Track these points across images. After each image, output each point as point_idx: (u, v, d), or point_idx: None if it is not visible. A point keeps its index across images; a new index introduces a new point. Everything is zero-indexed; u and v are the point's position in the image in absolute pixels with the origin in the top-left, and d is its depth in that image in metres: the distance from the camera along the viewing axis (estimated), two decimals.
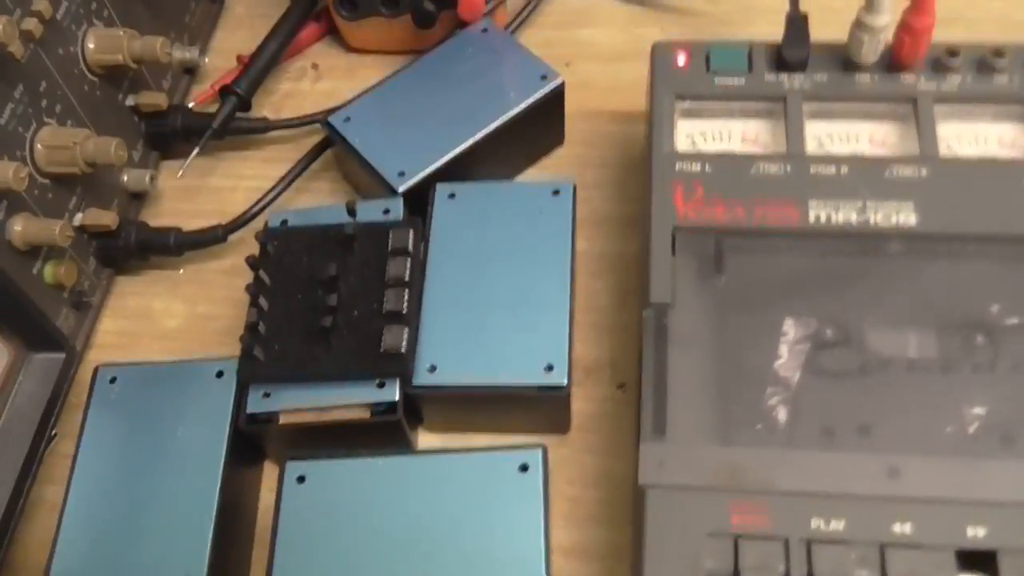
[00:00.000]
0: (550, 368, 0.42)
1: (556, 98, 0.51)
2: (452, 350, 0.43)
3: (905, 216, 0.41)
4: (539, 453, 0.40)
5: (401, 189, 0.48)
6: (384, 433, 0.43)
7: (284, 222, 0.47)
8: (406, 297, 0.43)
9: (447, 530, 0.39)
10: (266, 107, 0.59)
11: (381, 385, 0.42)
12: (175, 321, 0.52)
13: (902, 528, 0.34)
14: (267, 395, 0.43)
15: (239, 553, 0.43)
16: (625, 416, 0.46)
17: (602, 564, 0.43)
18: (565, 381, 0.42)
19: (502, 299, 0.44)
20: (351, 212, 0.45)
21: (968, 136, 0.45)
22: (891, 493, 0.35)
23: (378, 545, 0.39)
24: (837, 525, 0.34)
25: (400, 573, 0.38)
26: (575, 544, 0.43)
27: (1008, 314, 0.39)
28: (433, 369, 0.43)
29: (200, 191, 0.56)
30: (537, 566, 0.37)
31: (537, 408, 0.44)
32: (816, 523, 0.35)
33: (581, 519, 0.44)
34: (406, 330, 0.42)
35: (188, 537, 0.40)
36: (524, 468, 0.40)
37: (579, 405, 0.46)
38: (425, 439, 0.46)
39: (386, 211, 0.47)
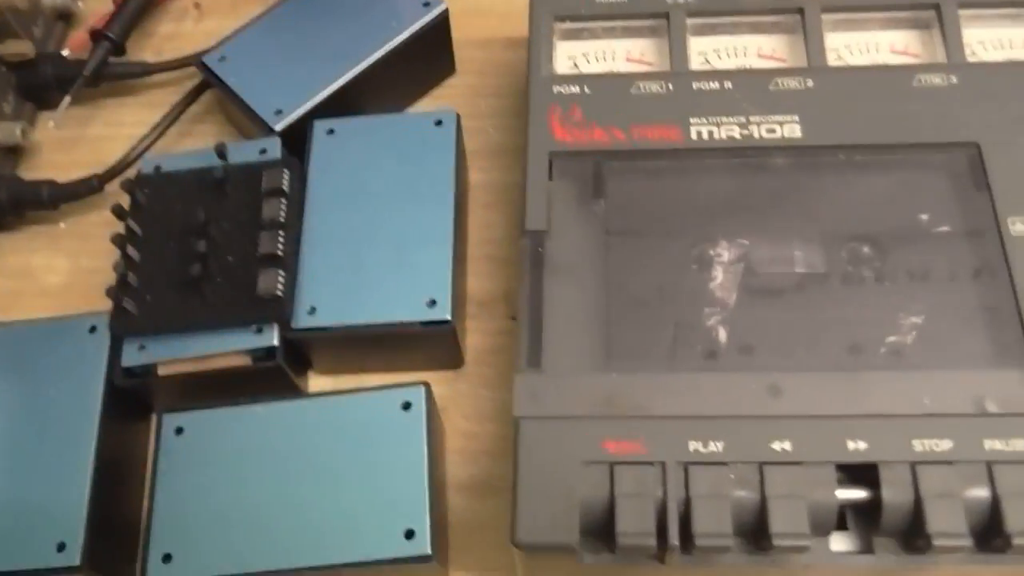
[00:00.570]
0: (433, 303, 0.41)
1: (441, 25, 0.49)
2: (332, 291, 0.42)
3: (790, 129, 0.40)
4: (422, 391, 0.39)
5: (278, 128, 0.46)
6: (268, 380, 0.42)
7: (157, 168, 0.45)
8: (281, 239, 0.41)
9: (331, 473, 0.38)
10: (147, 50, 0.56)
11: (259, 331, 0.41)
12: (58, 277, 0.50)
13: (782, 446, 0.34)
14: (142, 348, 0.41)
15: (128, 510, 0.42)
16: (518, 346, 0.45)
17: (498, 499, 0.42)
18: (449, 316, 0.41)
19: (383, 236, 0.43)
20: (221, 155, 0.43)
21: (858, 45, 0.44)
22: (771, 412, 0.34)
23: (261, 492, 0.38)
24: (715, 447, 0.34)
25: (284, 518, 0.37)
26: (471, 479, 0.43)
27: (894, 227, 0.38)
28: (313, 311, 0.41)
29: (79, 141, 0.54)
30: (420, 505, 0.37)
31: (424, 345, 0.42)
32: (694, 446, 0.34)
33: (477, 454, 0.43)
34: (282, 273, 0.41)
35: (63, 502, 0.39)
36: (407, 406, 0.39)
37: (475, 339, 0.45)
38: (317, 382, 0.45)
39: (263, 151, 0.45)
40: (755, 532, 0.33)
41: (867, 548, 0.34)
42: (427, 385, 0.39)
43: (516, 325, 0.45)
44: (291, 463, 0.38)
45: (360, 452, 0.38)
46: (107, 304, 0.45)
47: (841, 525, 0.35)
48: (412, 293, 0.41)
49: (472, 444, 0.43)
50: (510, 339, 0.46)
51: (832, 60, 0.43)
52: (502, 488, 0.42)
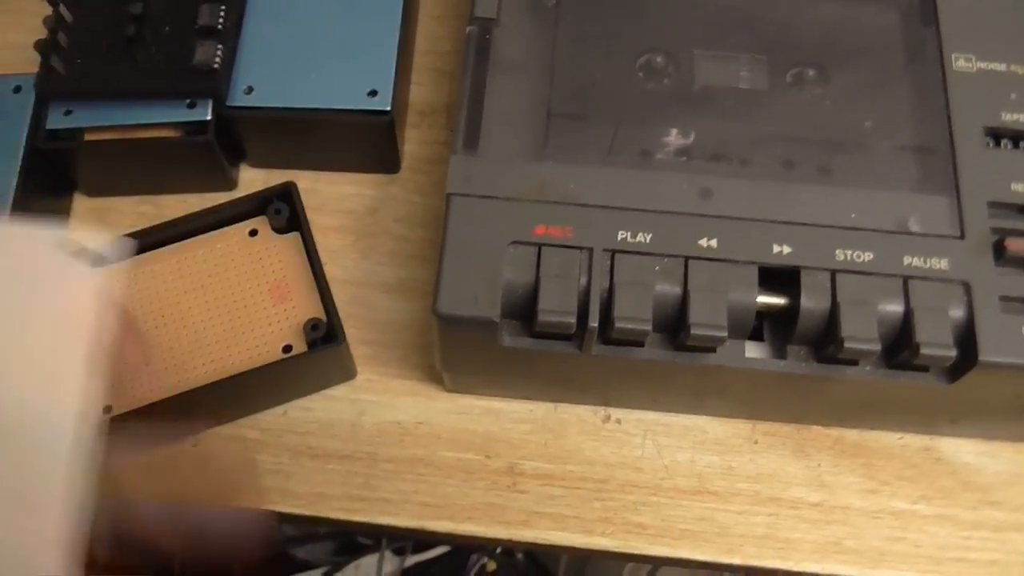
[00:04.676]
0: (374, 93, 0.40)
1: None
2: (271, 72, 0.40)
3: None
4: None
5: None
6: (198, 158, 0.41)
7: None
8: (222, 12, 0.40)
9: None
10: None
11: (192, 105, 0.40)
12: None
13: (709, 243, 0.34)
14: (69, 112, 0.40)
15: None
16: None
17: (424, 302, 0.42)
18: (388, 107, 0.40)
19: (330, 21, 0.41)
20: None
21: None
22: (701, 211, 0.35)
23: None
24: (643, 238, 0.34)
25: None
26: (398, 281, 0.42)
27: (840, 53, 0.39)
28: (250, 90, 0.40)
29: None
30: None
31: (361, 140, 0.42)
32: (622, 235, 0.34)
33: (406, 258, 0.43)
34: (220, 47, 0.40)
35: None
36: None
37: (413, 148, 0.45)
38: (248, 175, 0.44)
39: None
40: (674, 326, 0.34)
41: (780, 356, 0.35)
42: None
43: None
44: None
45: None
46: None
47: (756, 337, 0.36)
48: (354, 81, 0.40)
49: (403, 247, 0.43)
50: (447, 150, 0.45)
51: None
52: (428, 292, 0.42)
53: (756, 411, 0.41)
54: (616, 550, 0.39)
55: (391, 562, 0.94)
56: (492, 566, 1.02)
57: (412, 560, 0.98)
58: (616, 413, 0.41)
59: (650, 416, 0.41)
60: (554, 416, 0.41)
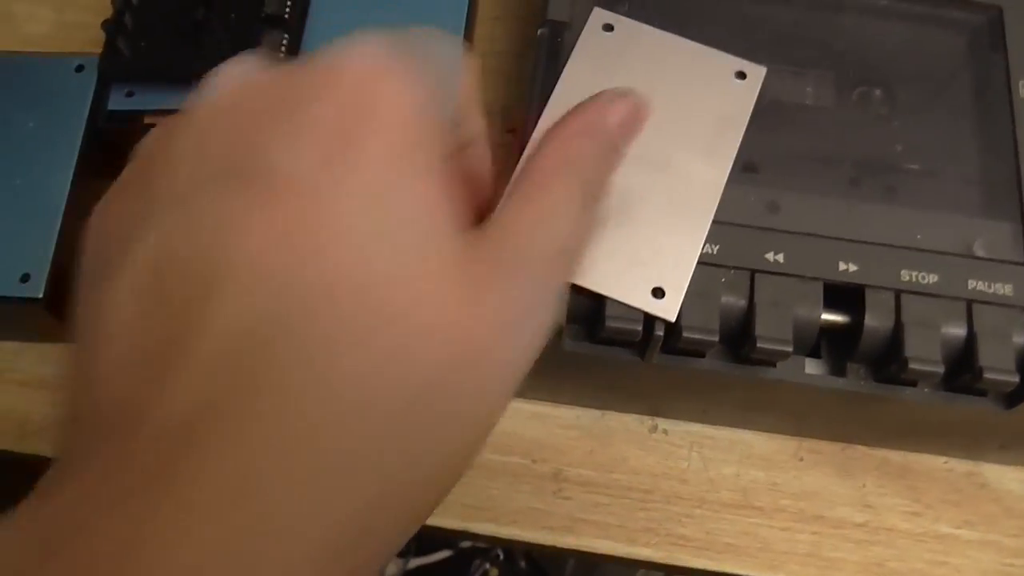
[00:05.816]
0: None
1: None
2: None
3: None
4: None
5: None
6: None
7: None
8: (289, 2, 0.40)
9: None
10: None
11: None
12: (40, 27, 0.47)
13: (775, 257, 0.34)
14: (131, 94, 0.40)
15: None
16: (512, 161, 0.44)
17: None
18: None
19: (395, 17, 0.41)
20: None
21: None
22: (768, 225, 0.35)
23: None
24: (711, 249, 0.34)
25: None
26: None
27: (907, 74, 0.39)
28: None
29: None
30: None
31: None
32: None
33: None
34: (285, 36, 0.39)
35: (33, 234, 0.37)
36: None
37: None
38: None
39: None
40: (737, 339, 0.34)
41: (838, 374, 0.35)
42: None
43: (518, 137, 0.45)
44: None
45: None
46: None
47: (813, 354, 0.36)
48: None
49: None
50: (505, 152, 0.45)
51: None
52: None
53: (803, 428, 0.40)
54: (659, 561, 0.39)
55: (394, 564, 0.93)
56: (494, 572, 1.02)
57: (415, 563, 0.97)
58: (663, 423, 0.41)
59: (696, 428, 0.41)
60: (601, 424, 0.41)
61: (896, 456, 0.41)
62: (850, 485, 0.40)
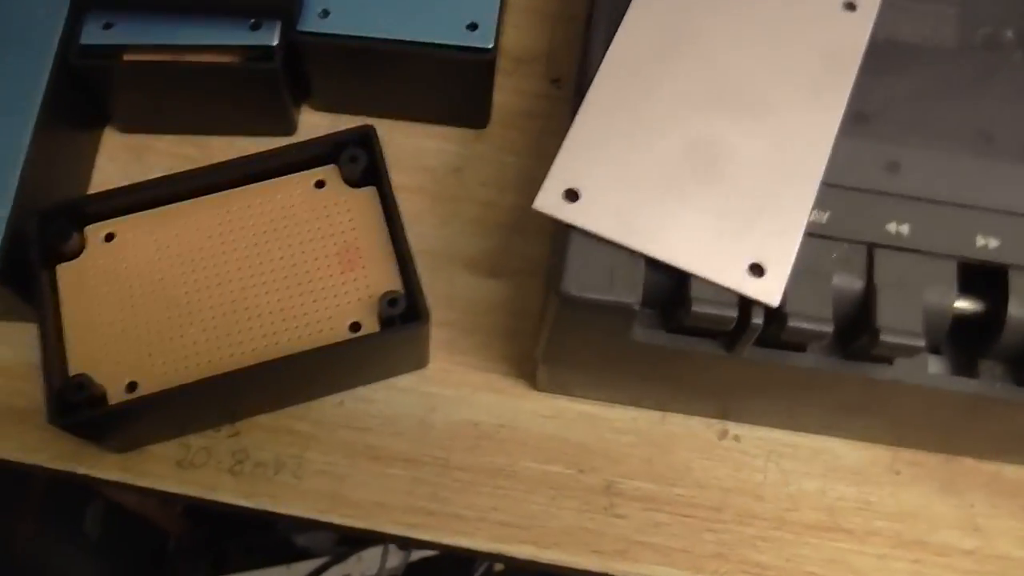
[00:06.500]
0: (473, 26, 0.33)
1: None
2: None
3: None
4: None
5: None
6: (258, 92, 0.34)
7: None
8: None
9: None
10: None
11: (256, 26, 0.33)
12: None
13: (899, 229, 0.27)
14: (109, 26, 0.33)
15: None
16: (556, 115, 0.38)
17: (515, 279, 0.36)
18: (491, 44, 0.33)
19: None
20: None
21: None
22: (887, 189, 0.28)
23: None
24: (819, 216, 0.27)
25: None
26: (483, 254, 0.36)
27: None
28: (325, 14, 0.34)
29: None
30: None
31: (453, 81, 0.35)
32: None
33: (493, 226, 0.37)
34: None
35: None
36: None
37: (504, 98, 0.38)
38: (310, 119, 0.38)
39: None
40: (850, 329, 0.27)
41: (966, 373, 0.29)
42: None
43: (561, 89, 0.38)
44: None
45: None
46: None
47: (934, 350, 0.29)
48: (451, 11, 0.34)
49: (489, 214, 0.37)
50: (547, 103, 0.38)
51: None
52: (520, 268, 0.36)
53: (901, 436, 0.34)
54: None
55: (396, 555, 0.89)
56: (500, 566, 0.98)
57: (417, 555, 0.93)
58: (735, 428, 0.35)
59: (774, 434, 0.35)
60: (661, 428, 0.34)
61: (1010, 471, 0.35)
62: (955, 504, 0.34)
